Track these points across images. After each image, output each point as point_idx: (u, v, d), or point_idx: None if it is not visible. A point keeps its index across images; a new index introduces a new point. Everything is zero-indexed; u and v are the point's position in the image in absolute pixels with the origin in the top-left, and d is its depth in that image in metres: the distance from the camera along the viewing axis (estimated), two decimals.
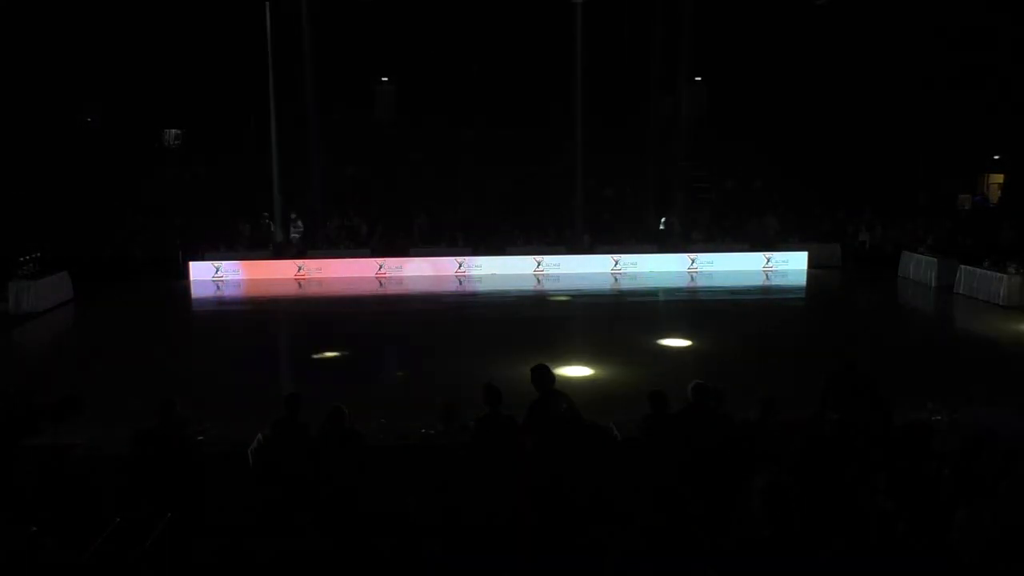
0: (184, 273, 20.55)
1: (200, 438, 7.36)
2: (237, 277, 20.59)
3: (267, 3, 21.69)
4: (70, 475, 6.91)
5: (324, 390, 9.68)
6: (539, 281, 20.60)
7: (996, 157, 26.63)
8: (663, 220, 23.44)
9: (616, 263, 21.57)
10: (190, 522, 6.21)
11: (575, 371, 11.68)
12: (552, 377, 6.97)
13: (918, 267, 19.76)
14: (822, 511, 5.49)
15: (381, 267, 21.04)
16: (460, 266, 21.17)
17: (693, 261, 21.74)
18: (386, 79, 25.30)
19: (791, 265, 21.86)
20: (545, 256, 21.51)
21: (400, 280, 20.64)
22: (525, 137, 24.64)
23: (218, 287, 20.08)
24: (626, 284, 20.21)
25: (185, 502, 6.36)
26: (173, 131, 25.13)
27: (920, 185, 25.19)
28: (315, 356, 13.10)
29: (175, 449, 6.48)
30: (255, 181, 23.00)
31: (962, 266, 18.00)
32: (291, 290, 19.83)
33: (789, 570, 3.76)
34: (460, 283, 20.33)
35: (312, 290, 19.86)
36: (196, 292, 19.50)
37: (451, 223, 23.00)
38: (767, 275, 21.43)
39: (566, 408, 6.93)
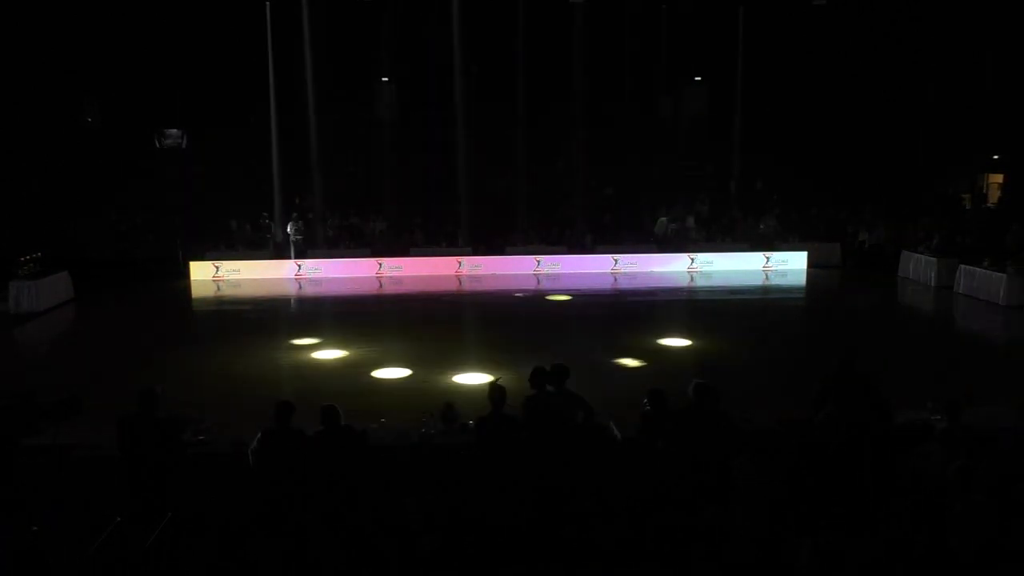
0: (184, 273, 20.56)
1: (200, 438, 7.37)
2: (237, 277, 20.59)
3: (267, 3, 21.71)
4: (70, 475, 6.92)
5: (325, 390, 9.69)
6: (539, 281, 20.62)
7: (996, 157, 26.62)
8: (661, 222, 23.42)
9: (616, 263, 21.58)
10: (186, 516, 6.21)
11: (575, 371, 11.66)
12: (551, 379, 6.95)
13: (918, 267, 19.76)
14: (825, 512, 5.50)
15: (381, 267, 21.05)
16: (460, 266, 21.19)
17: (693, 261, 21.75)
18: (386, 79, 25.29)
19: (791, 265, 21.87)
20: (545, 256, 21.53)
21: (400, 280, 20.64)
22: (525, 137, 24.63)
23: (218, 287, 20.08)
24: (625, 283, 20.22)
25: (175, 491, 6.37)
26: (174, 131, 25.13)
27: (920, 185, 25.20)
28: (315, 355, 13.10)
29: (157, 435, 6.47)
30: (255, 181, 23.00)
31: (962, 266, 18.01)
32: (291, 290, 19.83)
33: None
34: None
35: (312, 290, 19.86)
36: (196, 292, 19.50)
37: (451, 223, 23.00)
38: (767, 275, 21.44)
39: (583, 416, 6.93)
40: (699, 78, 26.02)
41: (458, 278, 20.86)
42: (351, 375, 11.77)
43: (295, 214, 22.09)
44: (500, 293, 19.13)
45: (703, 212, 23.95)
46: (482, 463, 6.58)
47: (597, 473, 6.74)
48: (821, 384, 7.41)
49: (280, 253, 21.48)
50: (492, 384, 6.78)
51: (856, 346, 7.76)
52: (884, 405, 6.91)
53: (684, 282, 20.60)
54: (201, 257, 20.83)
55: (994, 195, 27.23)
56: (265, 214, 22.62)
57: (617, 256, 21.68)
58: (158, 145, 25.22)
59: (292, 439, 6.57)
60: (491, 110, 23.81)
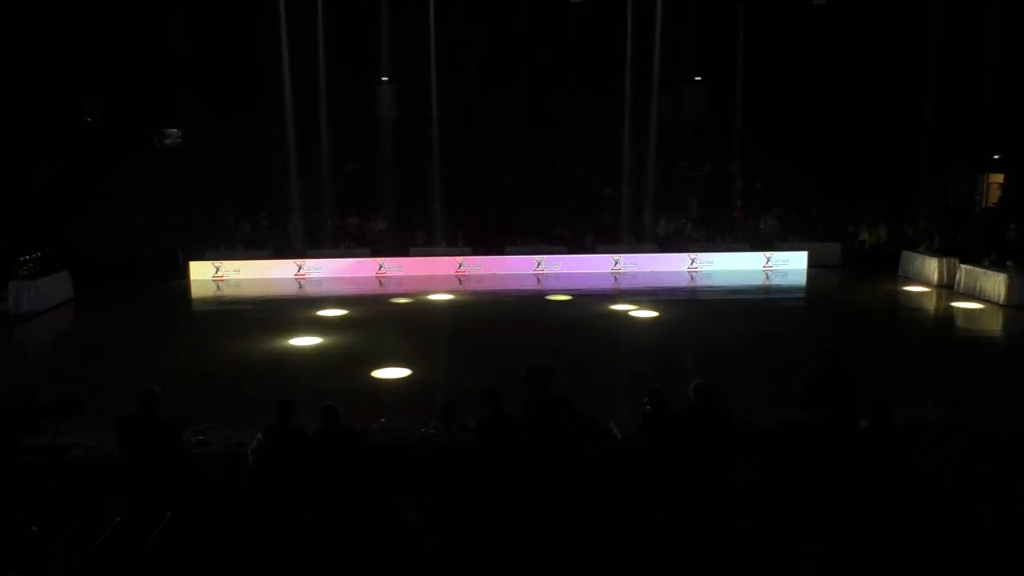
0: (184, 273, 20.56)
1: (200, 438, 7.37)
2: (237, 277, 20.58)
3: (268, 3, 21.72)
4: (70, 475, 6.92)
5: (324, 389, 9.68)
6: (539, 280, 20.62)
7: (996, 157, 26.62)
8: (661, 221, 23.45)
9: (616, 263, 21.58)
10: (186, 516, 6.21)
11: (572, 369, 11.67)
12: (545, 377, 6.95)
13: (918, 267, 19.77)
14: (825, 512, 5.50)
15: (381, 267, 21.05)
16: (460, 266, 21.19)
17: (693, 261, 21.75)
18: (386, 79, 25.28)
19: (791, 265, 21.88)
20: (545, 256, 21.52)
21: (400, 280, 20.63)
22: (525, 137, 24.64)
23: (218, 287, 20.07)
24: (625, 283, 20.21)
25: (175, 491, 6.37)
26: (174, 131, 25.13)
27: (920, 185, 25.17)
28: (315, 355, 13.10)
29: (157, 435, 6.49)
30: (255, 181, 22.99)
31: (962, 266, 18.02)
32: (291, 290, 19.83)
33: None
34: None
35: (312, 290, 19.86)
36: (196, 292, 19.50)
37: (451, 223, 22.99)
38: (767, 275, 21.44)
39: (569, 421, 6.92)
40: (699, 78, 26.01)
41: (458, 278, 20.85)
42: (351, 375, 11.77)
43: (295, 214, 22.10)
44: (500, 293, 19.12)
45: (692, 212, 23.96)
46: (482, 463, 6.58)
47: (597, 473, 6.74)
48: (807, 382, 7.42)
49: (285, 252, 21.42)
50: (487, 388, 6.78)
51: (841, 344, 7.73)
52: (878, 403, 6.89)
53: (684, 282, 20.59)
54: (201, 257, 20.83)
55: (994, 195, 27.23)
56: (263, 214, 22.63)
57: (617, 256, 21.68)
58: (158, 145, 25.22)
59: (293, 437, 6.59)
60: (491, 110, 23.82)
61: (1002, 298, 16.53)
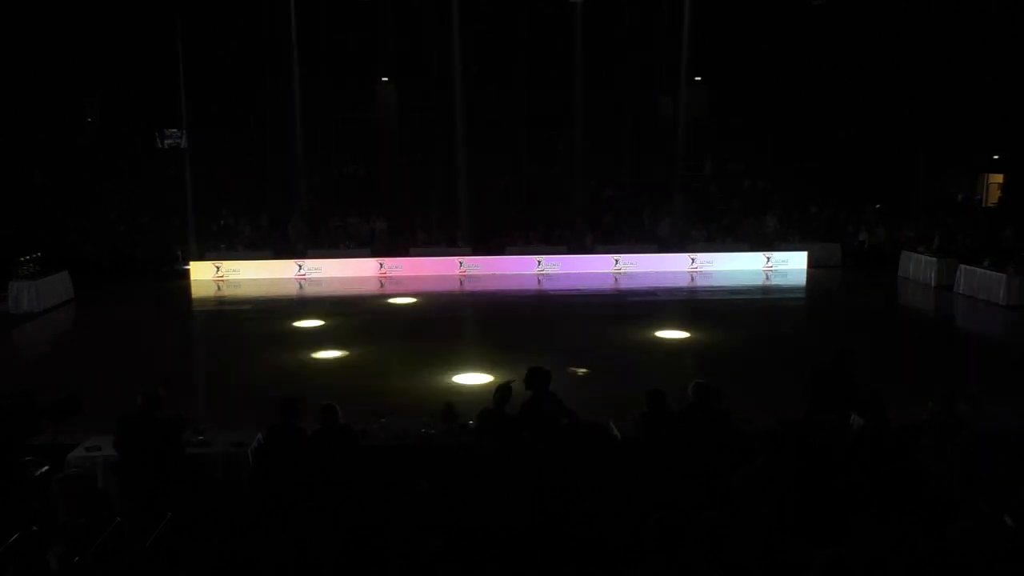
0: (184, 273, 20.56)
1: (200, 438, 7.37)
2: (237, 277, 20.58)
3: (268, 3, 21.74)
4: (70, 475, 6.91)
5: (324, 389, 9.68)
6: (539, 281, 20.63)
7: (996, 157, 26.64)
8: (663, 221, 23.45)
9: (616, 263, 21.58)
10: (186, 516, 6.21)
11: (574, 369, 11.67)
12: (546, 379, 6.94)
13: (918, 267, 19.76)
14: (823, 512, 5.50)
15: (381, 267, 21.05)
16: (460, 266, 21.19)
17: (693, 261, 21.75)
18: (386, 79, 25.30)
19: (791, 265, 21.86)
20: (545, 256, 21.53)
21: (400, 280, 20.62)
22: (525, 136, 24.66)
23: (218, 287, 20.07)
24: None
25: (175, 491, 6.38)
26: (174, 131, 25.15)
27: (920, 185, 25.21)
28: (315, 356, 13.09)
29: (157, 435, 6.51)
30: (255, 182, 23.00)
31: (962, 266, 18.01)
32: (291, 290, 19.83)
33: None
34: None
35: (312, 290, 19.85)
36: (196, 292, 19.50)
37: (451, 223, 23.00)
38: (767, 275, 21.43)
39: (566, 423, 6.92)
40: (699, 78, 26.04)
41: (458, 278, 20.84)
42: (351, 375, 11.76)
43: (295, 214, 22.12)
44: (500, 293, 19.13)
45: (691, 211, 23.99)
46: (483, 462, 6.58)
47: (597, 473, 6.73)
48: (812, 377, 7.42)
49: (285, 253, 21.42)
50: (499, 386, 6.78)
51: (847, 347, 7.78)
52: (874, 401, 6.89)
53: (684, 282, 20.58)
54: (201, 257, 20.83)
55: (994, 195, 27.26)
56: (264, 215, 22.65)
57: (617, 256, 21.67)
58: (158, 145, 25.24)
59: (294, 436, 6.62)
60: (491, 109, 23.82)
61: (1002, 298, 16.53)
